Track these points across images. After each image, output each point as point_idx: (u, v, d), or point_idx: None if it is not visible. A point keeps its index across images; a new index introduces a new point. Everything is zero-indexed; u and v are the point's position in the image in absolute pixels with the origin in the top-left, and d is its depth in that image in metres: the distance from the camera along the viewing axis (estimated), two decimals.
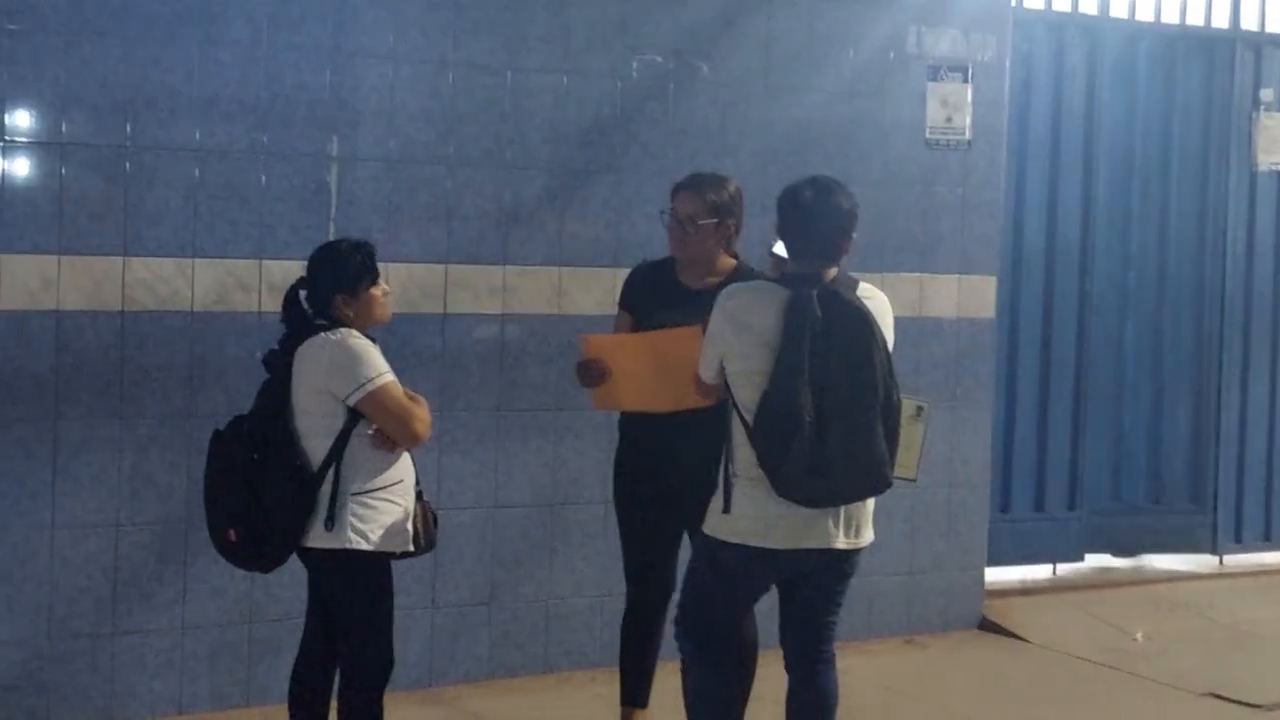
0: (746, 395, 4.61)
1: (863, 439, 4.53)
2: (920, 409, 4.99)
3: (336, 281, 4.77)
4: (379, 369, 4.69)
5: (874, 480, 4.60)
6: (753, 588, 4.91)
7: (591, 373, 5.35)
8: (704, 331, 4.84)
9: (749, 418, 4.58)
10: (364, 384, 4.65)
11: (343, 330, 4.72)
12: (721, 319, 4.69)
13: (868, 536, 4.80)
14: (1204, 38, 8.63)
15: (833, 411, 4.50)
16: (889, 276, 6.99)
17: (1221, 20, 8.65)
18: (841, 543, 4.70)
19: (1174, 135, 8.62)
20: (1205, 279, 8.67)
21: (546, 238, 6.48)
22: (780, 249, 4.92)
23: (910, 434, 4.84)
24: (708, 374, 4.80)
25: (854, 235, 4.76)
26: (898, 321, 4.86)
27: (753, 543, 4.67)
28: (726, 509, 4.69)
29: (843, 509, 4.66)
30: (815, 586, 4.82)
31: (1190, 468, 8.70)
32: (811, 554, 4.69)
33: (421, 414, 4.78)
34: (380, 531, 4.75)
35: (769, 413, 4.51)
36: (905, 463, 4.77)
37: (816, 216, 4.68)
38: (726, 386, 4.72)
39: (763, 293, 4.68)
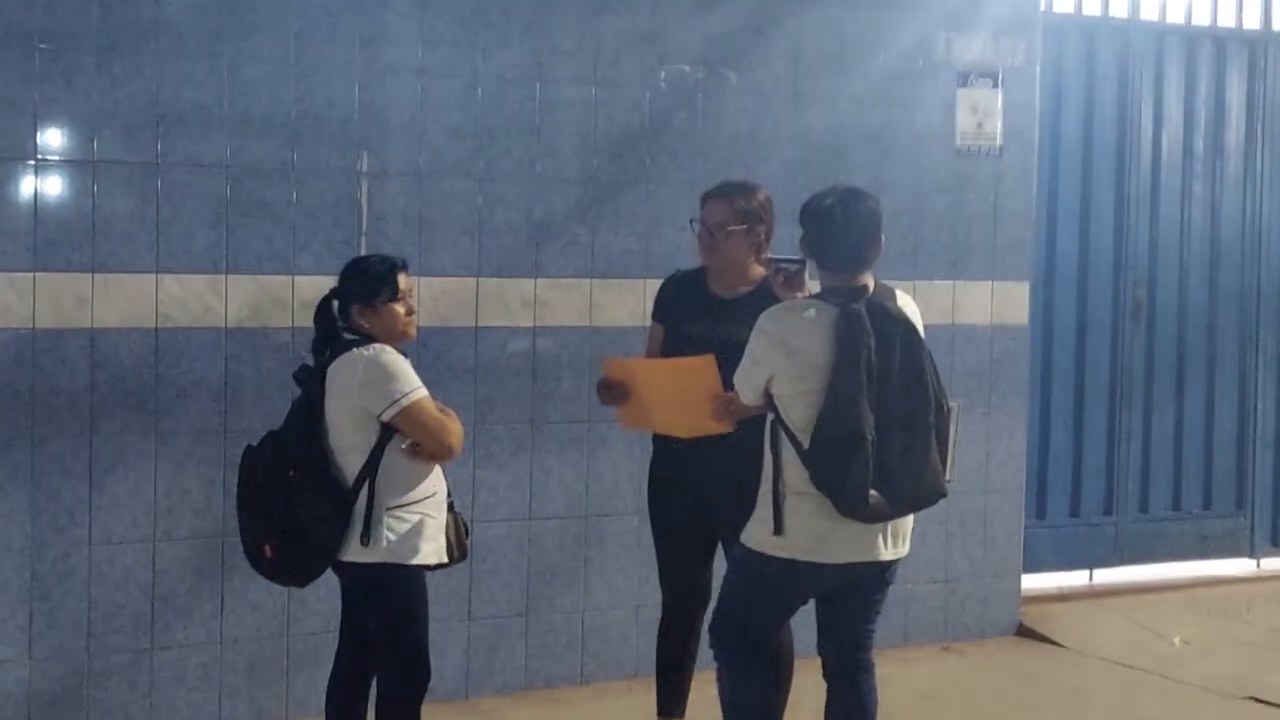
0: (799, 415, 4.56)
1: (921, 451, 4.53)
2: (950, 410, 4.98)
3: (353, 294, 4.80)
4: (412, 384, 4.71)
5: (932, 491, 4.59)
6: (796, 600, 4.90)
7: (610, 393, 5.36)
8: (717, 359, 4.85)
9: (802, 437, 4.54)
10: (398, 399, 4.67)
11: (375, 346, 4.74)
12: (768, 343, 4.62)
13: (909, 545, 4.79)
14: (1236, 39, 8.59)
15: (891, 426, 4.48)
16: (921, 284, 6.96)
17: (1253, 21, 8.61)
18: (886, 554, 4.70)
19: (1207, 137, 8.57)
20: (1242, 282, 8.62)
21: (578, 250, 6.48)
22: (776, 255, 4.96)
23: None
24: (749, 397, 4.73)
25: (882, 237, 4.73)
26: (931, 329, 4.85)
27: (801, 557, 4.64)
28: (778, 530, 4.62)
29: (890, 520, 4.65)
30: (857, 597, 4.82)
31: (1226, 472, 8.65)
32: (858, 566, 4.68)
33: (455, 427, 4.80)
34: (415, 544, 4.77)
35: (830, 432, 4.47)
36: None
37: (843, 224, 4.63)
38: (772, 406, 4.66)
39: (808, 312, 4.61)
